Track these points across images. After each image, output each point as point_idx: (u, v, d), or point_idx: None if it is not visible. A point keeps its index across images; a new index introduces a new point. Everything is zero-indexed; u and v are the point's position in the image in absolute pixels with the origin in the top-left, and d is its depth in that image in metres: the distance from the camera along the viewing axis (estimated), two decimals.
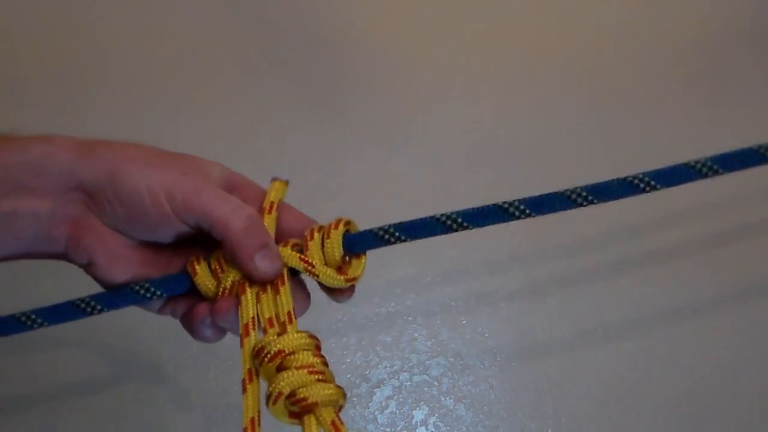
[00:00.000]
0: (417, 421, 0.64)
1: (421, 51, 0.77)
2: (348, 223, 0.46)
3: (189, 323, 0.45)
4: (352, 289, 0.45)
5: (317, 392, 0.40)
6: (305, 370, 0.40)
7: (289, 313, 0.43)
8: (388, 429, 0.64)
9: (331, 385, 0.41)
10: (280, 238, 0.45)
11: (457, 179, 0.72)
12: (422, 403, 0.64)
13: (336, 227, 0.45)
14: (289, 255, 0.44)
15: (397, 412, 0.64)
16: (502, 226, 0.69)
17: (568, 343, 0.66)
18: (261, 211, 0.45)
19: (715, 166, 0.41)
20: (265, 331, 0.43)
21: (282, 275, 0.44)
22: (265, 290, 0.44)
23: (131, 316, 0.66)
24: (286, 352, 0.41)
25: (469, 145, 0.73)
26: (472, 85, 0.76)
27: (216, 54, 0.76)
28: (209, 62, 0.75)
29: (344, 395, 0.41)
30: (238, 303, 0.43)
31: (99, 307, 0.43)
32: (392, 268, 0.68)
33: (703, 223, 0.71)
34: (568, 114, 0.75)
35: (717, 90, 0.76)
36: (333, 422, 0.40)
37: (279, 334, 0.42)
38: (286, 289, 0.44)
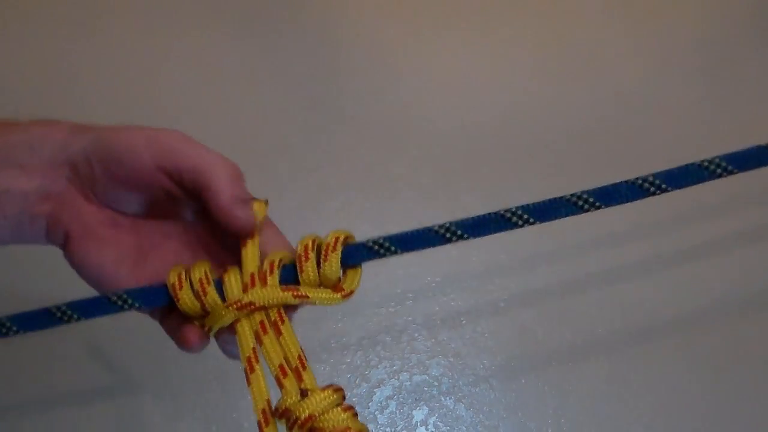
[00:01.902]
0: (417, 421, 0.64)
1: (422, 51, 0.77)
2: (347, 238, 0.43)
3: (178, 343, 0.43)
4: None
5: None
6: None
7: (299, 357, 0.41)
8: (388, 429, 0.63)
9: None
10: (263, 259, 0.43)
11: (457, 179, 0.72)
12: (422, 403, 0.64)
13: (335, 248, 0.42)
14: (282, 295, 0.41)
15: (397, 412, 0.64)
16: None
17: (568, 342, 0.66)
18: (242, 238, 0.43)
19: (728, 166, 0.38)
20: (279, 382, 0.40)
21: (280, 313, 0.42)
22: (265, 330, 0.41)
23: (132, 327, 0.66)
24: (317, 415, 0.39)
25: (469, 145, 0.73)
26: (473, 85, 0.76)
27: (217, 58, 0.76)
28: (209, 65, 0.75)
29: None
30: (232, 333, 0.41)
31: (75, 316, 0.41)
32: (392, 267, 0.68)
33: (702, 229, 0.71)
34: (571, 119, 0.75)
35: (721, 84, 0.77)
36: None
37: (303, 395, 0.40)
38: (287, 328, 0.41)
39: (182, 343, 0.43)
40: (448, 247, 0.68)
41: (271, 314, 0.42)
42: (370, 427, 0.64)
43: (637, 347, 0.66)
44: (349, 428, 0.39)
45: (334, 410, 0.39)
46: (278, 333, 0.41)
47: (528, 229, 0.69)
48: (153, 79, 0.74)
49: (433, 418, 0.64)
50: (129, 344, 0.66)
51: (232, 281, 0.42)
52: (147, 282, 0.42)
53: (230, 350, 0.43)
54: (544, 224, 0.70)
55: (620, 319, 0.67)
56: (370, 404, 0.64)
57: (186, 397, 0.64)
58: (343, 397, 0.40)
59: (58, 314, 0.42)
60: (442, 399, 0.65)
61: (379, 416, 0.64)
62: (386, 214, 0.70)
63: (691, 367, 0.66)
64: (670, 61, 0.77)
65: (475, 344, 0.66)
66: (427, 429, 0.64)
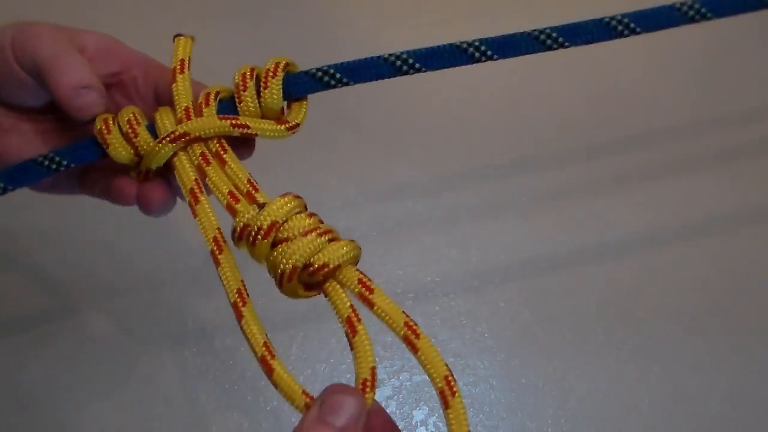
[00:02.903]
0: (417, 421, 0.64)
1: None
2: (288, 65, 0.40)
3: (115, 200, 0.41)
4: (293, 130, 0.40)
5: (335, 253, 0.35)
6: (312, 234, 0.35)
7: (249, 181, 0.38)
8: None
9: (345, 242, 0.35)
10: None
11: (458, 178, 0.72)
12: (422, 403, 0.64)
13: (275, 74, 0.39)
14: (219, 124, 0.38)
15: (397, 412, 0.64)
16: (502, 224, 0.70)
17: (568, 342, 0.66)
18: (172, 71, 0.40)
19: (703, 10, 0.37)
20: (231, 209, 0.37)
21: (222, 144, 0.39)
22: (207, 162, 0.38)
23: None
24: (280, 222, 0.35)
25: (470, 143, 0.73)
26: (474, 82, 0.76)
27: (213, 55, 0.76)
28: (204, 62, 0.75)
29: (359, 247, 0.36)
30: (172, 170, 0.39)
31: (0, 185, 0.39)
32: (392, 268, 0.68)
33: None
34: (572, 116, 0.75)
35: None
36: (360, 280, 0.35)
37: (259, 206, 0.36)
38: (231, 156, 0.38)
39: (144, 204, 0.40)
40: (447, 247, 0.69)
41: (211, 146, 0.39)
42: None
43: (637, 347, 0.66)
44: (318, 227, 0.35)
45: (298, 216, 0.36)
46: (222, 163, 0.38)
47: (528, 230, 0.69)
48: None
49: (433, 418, 0.64)
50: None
51: (164, 118, 0.39)
52: None
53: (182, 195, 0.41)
54: (544, 225, 0.70)
55: (621, 319, 0.67)
56: None
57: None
58: (305, 206, 0.37)
59: None
60: None
61: None
62: (386, 214, 0.70)
63: (692, 366, 0.66)
64: (669, 57, 0.77)
65: (475, 344, 0.66)
66: (427, 429, 0.64)
